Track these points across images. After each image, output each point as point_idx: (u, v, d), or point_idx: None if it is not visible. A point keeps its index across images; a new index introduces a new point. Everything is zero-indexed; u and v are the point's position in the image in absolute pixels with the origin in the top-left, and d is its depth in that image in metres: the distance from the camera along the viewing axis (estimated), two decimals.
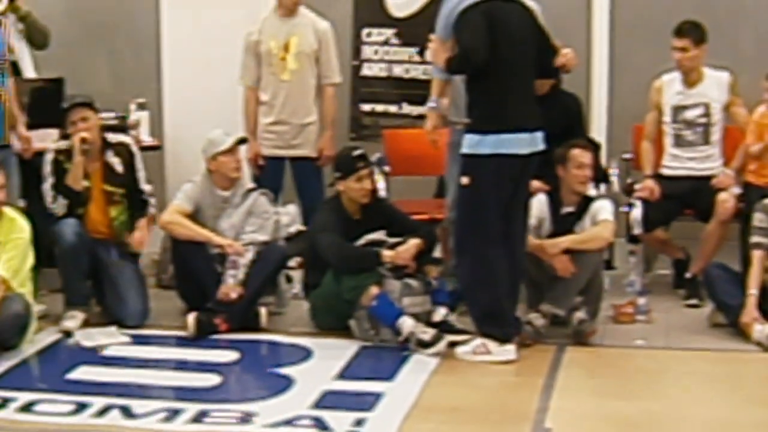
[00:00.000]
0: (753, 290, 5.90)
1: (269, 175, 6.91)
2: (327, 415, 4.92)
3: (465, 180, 5.57)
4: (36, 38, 7.07)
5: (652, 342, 5.96)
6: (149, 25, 7.72)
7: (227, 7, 7.43)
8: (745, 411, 5.03)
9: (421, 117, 6.29)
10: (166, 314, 6.37)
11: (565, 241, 5.94)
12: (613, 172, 6.98)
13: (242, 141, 6.51)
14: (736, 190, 6.56)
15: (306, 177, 6.98)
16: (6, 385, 5.30)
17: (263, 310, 6.20)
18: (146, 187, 6.44)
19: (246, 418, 4.92)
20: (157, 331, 6.18)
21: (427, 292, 5.99)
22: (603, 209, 6.05)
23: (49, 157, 6.31)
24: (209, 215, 6.37)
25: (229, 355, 5.78)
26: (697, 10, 6.98)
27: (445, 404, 5.12)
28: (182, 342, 5.99)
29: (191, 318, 6.04)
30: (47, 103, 6.73)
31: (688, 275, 6.67)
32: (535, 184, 5.93)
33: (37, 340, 5.91)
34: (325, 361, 5.65)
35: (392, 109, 7.69)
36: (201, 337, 6.00)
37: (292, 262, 6.64)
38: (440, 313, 5.93)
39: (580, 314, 5.92)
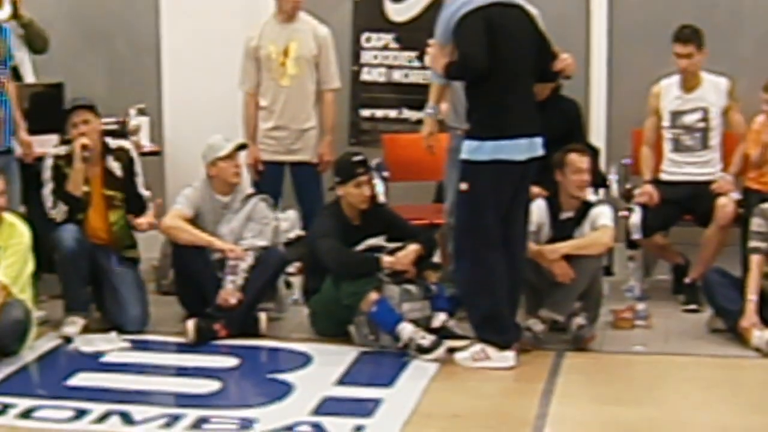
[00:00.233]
0: (752, 296, 5.90)
1: (269, 180, 6.92)
2: (326, 422, 4.93)
3: (464, 186, 5.57)
4: (36, 43, 7.08)
5: (651, 347, 5.96)
6: (149, 31, 7.72)
7: (227, 13, 7.43)
8: (744, 417, 5.04)
9: (421, 122, 6.29)
10: (165, 320, 6.37)
11: (564, 246, 5.95)
12: (612, 178, 6.97)
13: (242, 147, 6.51)
14: (736, 195, 6.57)
15: (305, 182, 6.98)
16: (6, 392, 5.31)
17: (263, 316, 6.21)
18: (144, 192, 6.45)
19: (246, 425, 4.92)
20: (157, 337, 6.18)
21: (426, 297, 6.00)
22: (602, 215, 6.05)
23: (48, 163, 6.31)
24: (209, 220, 6.38)
25: (229, 361, 5.78)
26: (696, 15, 6.98)
27: (444, 410, 5.12)
28: (182, 348, 5.99)
29: (191, 324, 6.04)
30: (47, 109, 6.74)
31: (687, 280, 6.67)
32: (534, 189, 5.93)
33: (36, 346, 5.91)
34: (325, 367, 5.65)
35: (392, 114, 7.68)
36: (201, 343, 6.00)
37: (292, 268, 6.65)
38: (440, 319, 5.94)
39: (579, 320, 5.93)
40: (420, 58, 7.44)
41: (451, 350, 5.72)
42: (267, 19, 7.00)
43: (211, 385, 5.43)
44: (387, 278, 5.94)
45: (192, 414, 5.01)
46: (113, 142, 6.47)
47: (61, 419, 4.99)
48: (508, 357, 5.63)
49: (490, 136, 5.52)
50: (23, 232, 5.88)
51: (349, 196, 6.09)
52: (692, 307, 6.56)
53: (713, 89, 6.72)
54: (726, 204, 6.49)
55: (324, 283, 5.99)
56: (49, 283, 6.48)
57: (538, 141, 5.64)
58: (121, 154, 6.42)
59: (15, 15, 6.81)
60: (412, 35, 7.51)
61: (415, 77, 7.59)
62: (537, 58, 5.68)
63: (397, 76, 7.67)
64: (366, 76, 7.71)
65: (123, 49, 7.92)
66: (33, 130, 6.55)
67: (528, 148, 5.58)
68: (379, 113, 7.71)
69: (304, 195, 6.99)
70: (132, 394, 5.28)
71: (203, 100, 7.43)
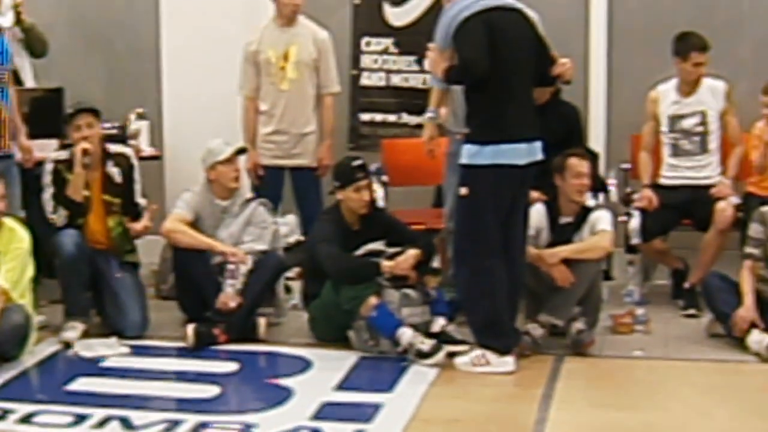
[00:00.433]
0: (749, 294, 5.88)
1: (268, 184, 6.92)
2: (326, 427, 4.93)
3: (463, 190, 5.57)
4: (35, 47, 7.09)
5: (650, 352, 5.97)
6: (149, 36, 7.72)
7: (226, 17, 7.42)
8: (743, 422, 5.04)
9: (420, 126, 6.29)
10: (165, 325, 6.38)
11: (563, 250, 5.95)
12: (611, 182, 6.98)
13: (242, 151, 6.52)
14: (735, 199, 6.57)
15: (305, 187, 6.98)
16: (6, 397, 5.31)
17: (262, 321, 6.21)
18: (141, 201, 6.45)
19: (245, 430, 4.92)
20: (157, 341, 6.18)
21: (426, 302, 6.00)
22: (602, 219, 6.05)
23: (48, 167, 6.31)
24: (208, 225, 6.38)
25: (229, 366, 5.78)
26: (696, 20, 7.01)
27: (444, 415, 5.13)
28: (182, 353, 5.99)
29: (190, 329, 6.04)
30: (47, 113, 6.75)
31: (686, 285, 6.67)
32: (533, 194, 5.93)
33: (36, 351, 5.92)
34: (325, 372, 5.65)
35: (391, 118, 7.69)
36: (200, 348, 6.01)
37: (291, 273, 6.65)
38: (439, 324, 5.94)
39: (578, 324, 5.93)
40: (419, 62, 7.45)
41: (451, 355, 5.72)
42: (266, 24, 7.00)
43: (211, 390, 5.44)
44: (386, 283, 5.94)
45: (192, 419, 5.02)
46: (114, 148, 6.48)
47: (61, 424, 4.99)
48: (508, 362, 5.63)
49: (489, 141, 5.53)
50: (23, 237, 5.89)
51: (348, 201, 6.09)
52: (692, 311, 6.56)
53: (711, 93, 6.73)
54: (725, 208, 6.49)
55: (323, 287, 5.99)
56: (49, 287, 6.49)
57: (538, 145, 5.64)
58: (121, 160, 6.43)
59: (17, 21, 6.83)
60: (412, 39, 7.52)
61: (415, 81, 7.61)
62: (536, 62, 5.68)
63: (397, 80, 7.68)
64: (365, 80, 7.72)
65: (123, 54, 7.93)
66: (33, 135, 6.55)
67: (527, 152, 5.58)
68: (379, 117, 7.72)
69: (303, 199, 6.99)
70: (132, 399, 5.29)
71: (203, 104, 7.43)
